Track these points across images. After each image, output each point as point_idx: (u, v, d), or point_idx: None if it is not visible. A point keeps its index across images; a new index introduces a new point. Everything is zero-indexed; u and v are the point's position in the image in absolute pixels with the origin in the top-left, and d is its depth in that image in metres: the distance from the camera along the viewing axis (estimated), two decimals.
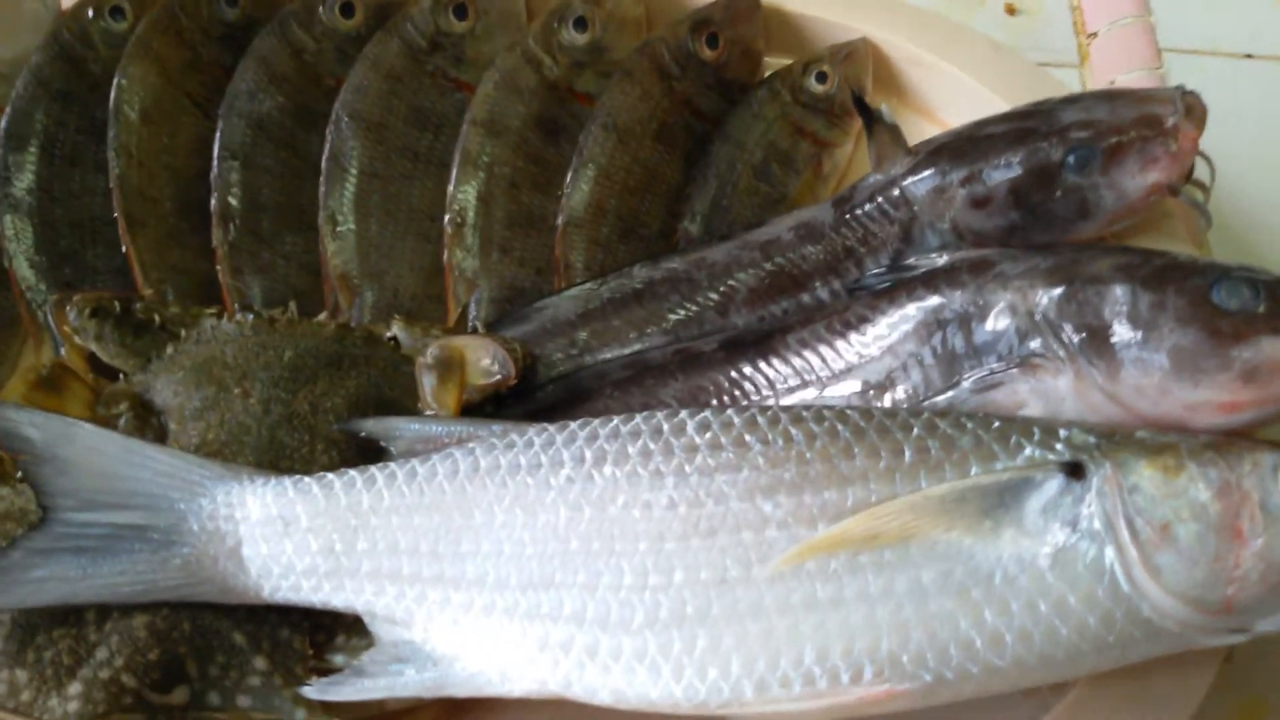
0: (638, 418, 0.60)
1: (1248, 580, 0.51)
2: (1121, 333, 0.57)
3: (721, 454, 0.57)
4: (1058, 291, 0.59)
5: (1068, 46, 0.91)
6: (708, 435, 0.58)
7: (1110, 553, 0.52)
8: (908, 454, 0.55)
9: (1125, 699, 0.55)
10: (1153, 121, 0.66)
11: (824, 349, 0.66)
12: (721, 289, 0.72)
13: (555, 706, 0.57)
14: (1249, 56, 0.93)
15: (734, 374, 0.68)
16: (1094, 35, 0.87)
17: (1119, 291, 0.58)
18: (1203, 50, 0.94)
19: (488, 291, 0.73)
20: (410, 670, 0.58)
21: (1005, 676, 0.53)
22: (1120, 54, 0.82)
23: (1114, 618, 0.52)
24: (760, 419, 0.58)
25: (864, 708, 0.53)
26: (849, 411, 0.58)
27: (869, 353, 0.64)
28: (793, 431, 0.57)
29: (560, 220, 0.73)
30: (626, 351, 0.71)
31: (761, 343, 0.68)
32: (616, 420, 0.60)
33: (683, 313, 0.72)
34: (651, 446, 0.58)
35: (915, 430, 0.56)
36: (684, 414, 0.59)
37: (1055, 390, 0.59)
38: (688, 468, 0.57)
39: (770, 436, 0.57)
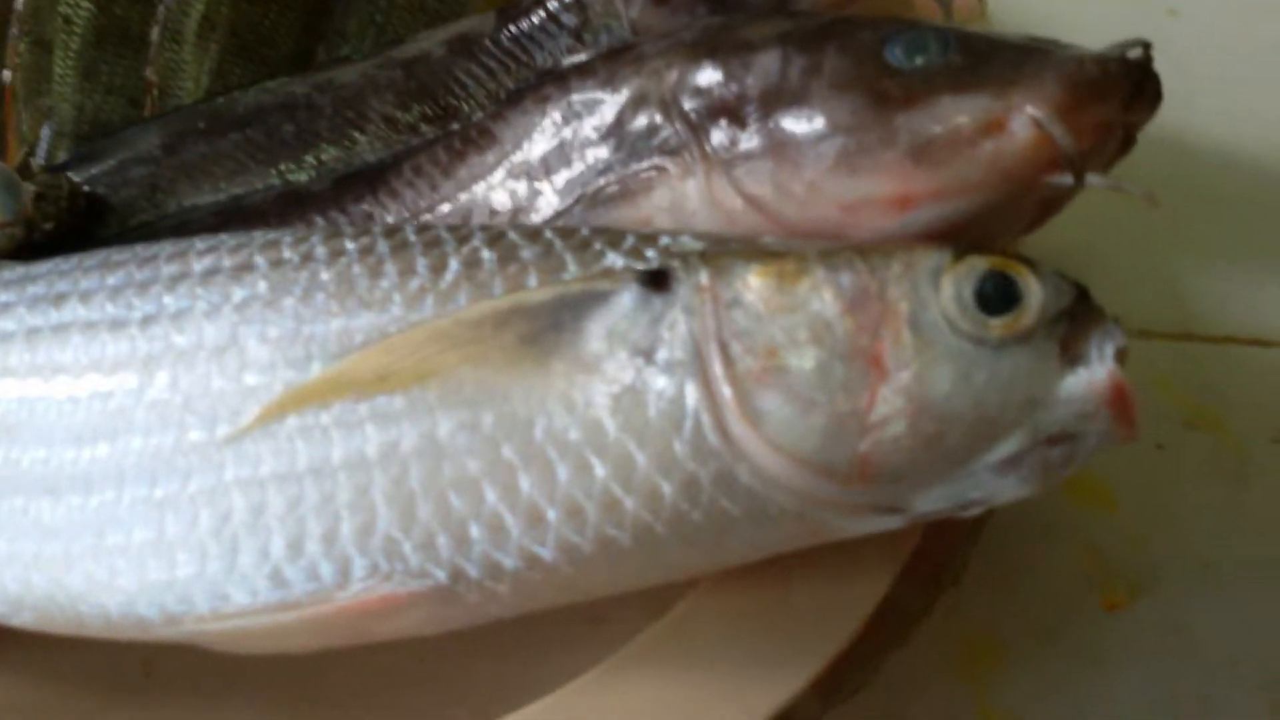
0: (157, 245, 0.45)
1: (890, 431, 0.34)
2: (762, 112, 0.41)
3: (214, 281, 0.41)
4: (695, 68, 0.43)
5: None
6: (206, 261, 0.42)
7: (693, 392, 0.35)
8: (451, 269, 0.39)
9: (751, 616, 0.38)
10: None
11: (438, 175, 0.50)
12: (350, 117, 0.56)
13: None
14: None
15: (338, 214, 0.52)
16: None
17: (767, 59, 0.42)
18: None
19: (65, 125, 0.58)
20: None
21: (554, 575, 0.37)
22: None
23: (699, 485, 0.35)
24: (286, 238, 0.43)
25: (359, 622, 0.37)
26: (406, 226, 0.43)
27: (486, 174, 0.48)
28: (318, 250, 0.41)
29: (155, 34, 0.59)
30: (223, 195, 0.57)
31: (375, 175, 0.53)
32: (135, 249, 0.45)
33: (298, 147, 0.56)
34: (135, 276, 0.42)
35: (473, 242, 0.40)
36: (198, 239, 0.45)
37: (684, 197, 0.42)
38: (167, 299, 0.41)
39: (286, 256, 0.41)
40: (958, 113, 0.38)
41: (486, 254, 0.39)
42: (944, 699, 0.45)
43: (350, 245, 0.41)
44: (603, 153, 0.45)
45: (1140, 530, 0.49)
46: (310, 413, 0.37)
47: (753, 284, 0.36)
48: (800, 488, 0.35)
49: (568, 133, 0.47)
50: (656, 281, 0.37)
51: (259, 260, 0.41)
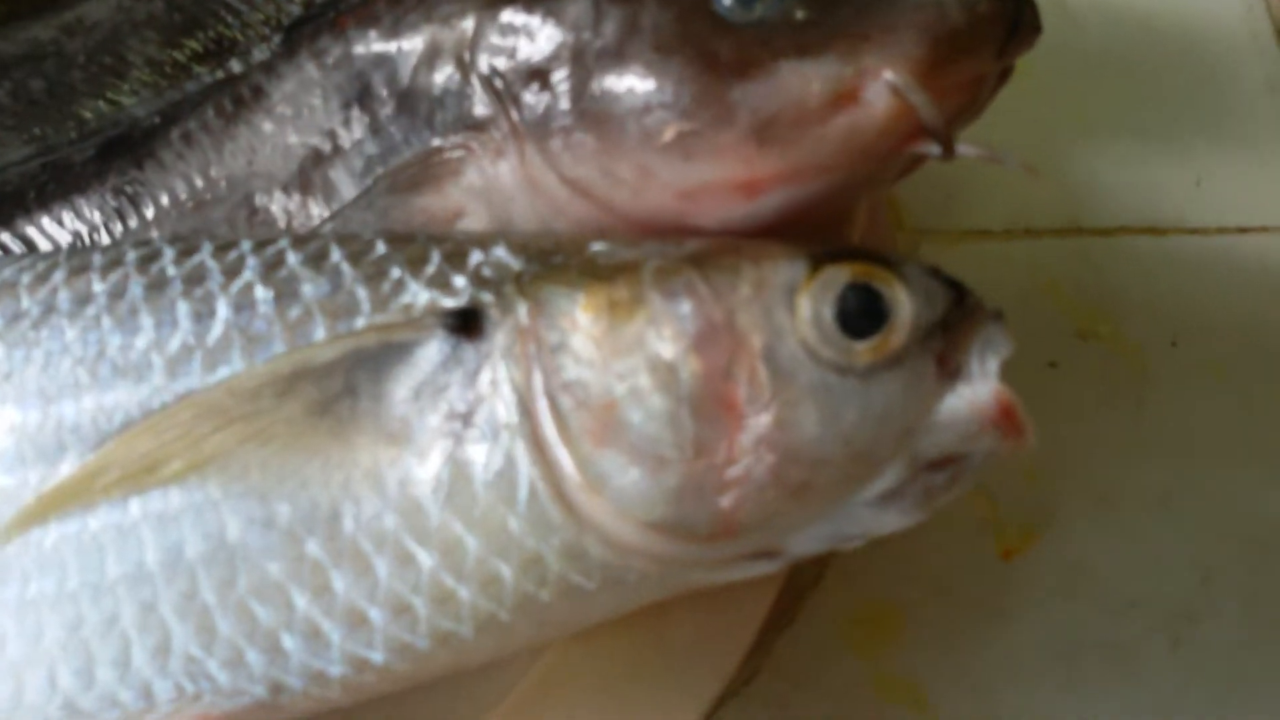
0: None
1: (752, 484, 0.29)
2: (577, 78, 0.34)
3: None
4: (493, 16, 0.36)
5: None
6: None
7: (525, 458, 0.30)
8: (219, 318, 0.32)
9: (624, 661, 0.35)
10: None
11: (209, 144, 0.42)
12: (108, 64, 0.48)
13: None
14: None
15: (107, 193, 0.45)
16: None
17: (576, 8, 0.34)
18: None
19: None
20: None
21: (390, 674, 0.31)
22: None
23: (543, 564, 0.30)
24: (24, 279, 0.35)
25: None
26: (164, 250, 0.36)
27: (263, 146, 0.41)
28: (60, 297, 0.34)
29: None
30: None
31: (141, 143, 0.45)
32: None
33: (52, 106, 0.48)
34: None
35: (245, 274, 0.33)
36: None
37: (498, 182, 0.35)
38: None
39: (24, 307, 0.34)
40: (802, 82, 0.31)
41: (261, 293, 0.33)
42: (839, 677, 0.42)
43: (98, 286, 0.34)
44: (397, 124, 0.38)
45: (1034, 464, 0.46)
46: (74, 517, 0.32)
47: (581, 321, 0.31)
48: (658, 553, 0.31)
49: (352, 96, 0.39)
50: (467, 325, 0.31)
51: None
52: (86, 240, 0.44)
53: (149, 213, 0.44)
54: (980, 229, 0.50)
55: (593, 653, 0.35)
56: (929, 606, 0.44)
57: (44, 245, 0.45)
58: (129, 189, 0.44)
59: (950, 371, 0.31)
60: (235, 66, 0.48)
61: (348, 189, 0.40)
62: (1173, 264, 0.49)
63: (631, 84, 0.33)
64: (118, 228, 0.44)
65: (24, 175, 0.47)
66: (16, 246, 0.46)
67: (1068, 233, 0.50)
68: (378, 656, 0.31)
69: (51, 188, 0.46)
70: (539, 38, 0.35)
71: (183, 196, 0.43)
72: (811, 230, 0.36)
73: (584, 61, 0.34)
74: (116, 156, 0.45)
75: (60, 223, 0.45)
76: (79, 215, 0.45)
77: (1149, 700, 0.43)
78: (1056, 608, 0.44)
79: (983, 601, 0.44)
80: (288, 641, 0.31)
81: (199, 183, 0.43)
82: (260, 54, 0.49)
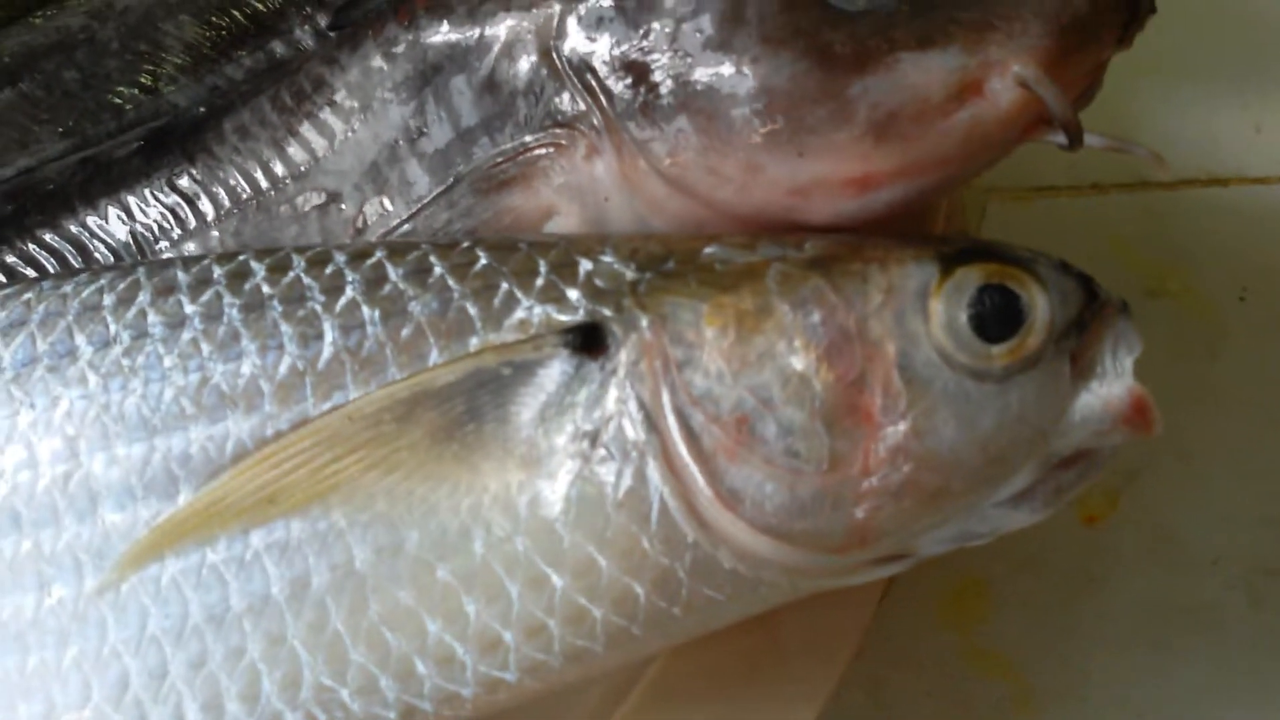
0: None
1: (888, 492, 0.29)
2: (678, 70, 0.32)
3: (31, 377, 0.33)
4: (584, 2, 0.34)
5: None
6: (15, 343, 0.34)
7: (656, 476, 0.29)
8: (327, 341, 0.31)
9: (736, 663, 0.35)
10: None
11: (266, 140, 0.41)
12: (144, 51, 0.46)
13: None
14: None
15: (155, 192, 0.43)
16: None
17: None
18: None
19: None
20: None
21: (522, 691, 0.31)
22: None
23: (676, 580, 0.30)
24: (106, 300, 0.34)
25: None
26: (253, 266, 0.35)
27: (330, 142, 0.39)
28: (151, 320, 0.33)
29: None
30: (10, 170, 0.47)
31: (190, 136, 0.44)
32: None
33: (88, 98, 0.46)
34: None
35: (348, 293, 0.32)
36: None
37: (592, 180, 0.34)
38: None
39: (112, 332, 0.34)
40: (924, 75, 0.30)
41: (366, 311, 0.32)
42: (931, 654, 0.43)
43: (190, 308, 0.33)
44: (476, 118, 0.37)
45: None
46: (192, 551, 0.31)
47: (707, 335, 0.30)
48: (792, 564, 0.31)
49: (426, 89, 0.38)
50: (588, 342, 0.31)
51: (80, 341, 0.33)
52: (141, 242, 0.43)
53: (208, 211, 0.42)
54: (1047, 185, 0.50)
55: (705, 658, 0.35)
56: (1016, 579, 0.44)
57: (94, 247, 0.44)
58: (183, 186, 0.43)
59: (1082, 369, 0.30)
60: (278, 49, 0.47)
61: (423, 186, 0.38)
62: (1237, 215, 0.49)
63: (739, 78, 0.32)
64: (174, 229, 0.43)
65: (63, 171, 0.45)
66: (65, 249, 0.44)
67: (1133, 187, 0.49)
68: (511, 676, 0.31)
69: (97, 185, 0.44)
70: (632, 27, 0.33)
71: (244, 195, 0.42)
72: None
73: (684, 53, 0.33)
74: (164, 151, 0.43)
75: (108, 223, 0.44)
76: (129, 215, 0.43)
77: (1234, 659, 0.43)
78: (1140, 571, 0.44)
79: (1068, 570, 0.44)
80: (421, 667, 0.31)
81: (261, 179, 0.41)
82: (303, 35, 0.47)
